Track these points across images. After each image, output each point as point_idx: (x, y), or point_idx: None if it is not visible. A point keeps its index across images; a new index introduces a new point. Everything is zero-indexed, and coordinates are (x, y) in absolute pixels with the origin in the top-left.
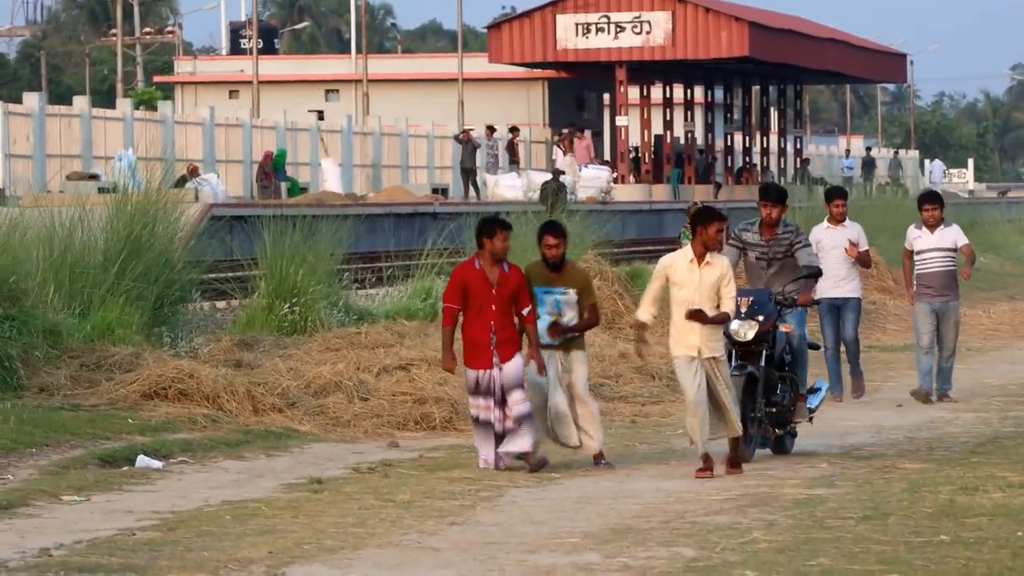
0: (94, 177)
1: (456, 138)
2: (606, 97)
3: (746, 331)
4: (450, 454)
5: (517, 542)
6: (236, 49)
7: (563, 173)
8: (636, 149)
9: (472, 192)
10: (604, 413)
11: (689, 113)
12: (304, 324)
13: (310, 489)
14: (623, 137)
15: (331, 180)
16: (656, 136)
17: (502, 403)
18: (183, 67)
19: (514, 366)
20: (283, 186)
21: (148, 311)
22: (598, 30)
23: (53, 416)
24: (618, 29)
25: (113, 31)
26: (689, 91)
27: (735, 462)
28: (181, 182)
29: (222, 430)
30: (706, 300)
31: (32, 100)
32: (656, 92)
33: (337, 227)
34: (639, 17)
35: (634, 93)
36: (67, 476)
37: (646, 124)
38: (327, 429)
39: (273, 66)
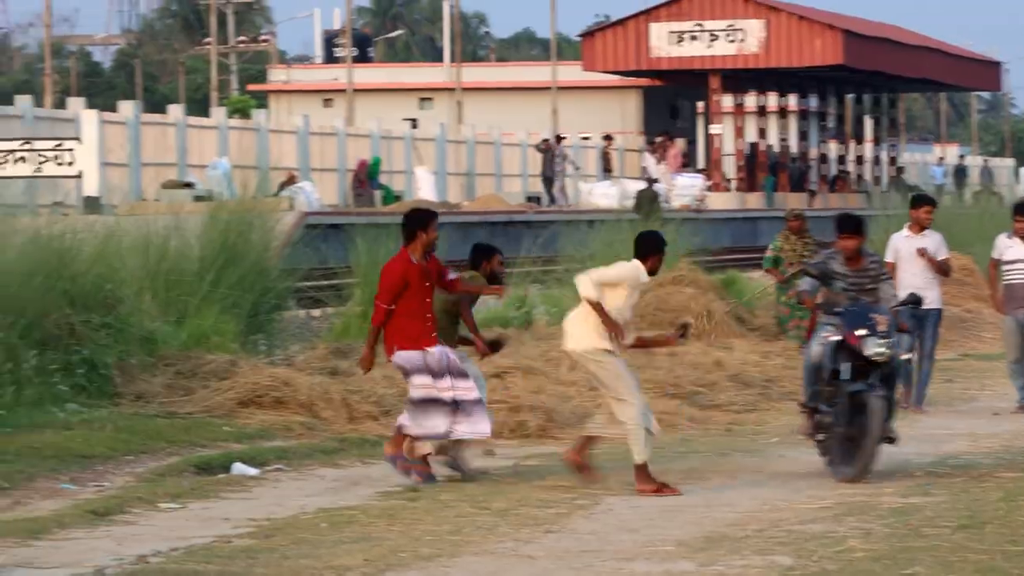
0: (189, 185)
1: (537, 147)
2: (700, 105)
3: (888, 352)
4: (546, 462)
5: (613, 550)
6: (330, 57)
7: (657, 181)
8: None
9: (548, 200)
10: (699, 421)
11: (783, 121)
12: None
13: (406, 497)
14: (716, 145)
15: (425, 188)
16: (750, 144)
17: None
18: (277, 76)
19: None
20: (377, 194)
21: (243, 319)
22: (692, 38)
23: (149, 424)
24: (712, 37)
25: (208, 40)
26: (783, 99)
27: None
28: (282, 189)
29: (317, 438)
30: None
31: (127, 109)
32: (750, 100)
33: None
34: (733, 25)
35: (728, 101)
36: (164, 483)
37: (739, 132)
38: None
39: (367, 74)
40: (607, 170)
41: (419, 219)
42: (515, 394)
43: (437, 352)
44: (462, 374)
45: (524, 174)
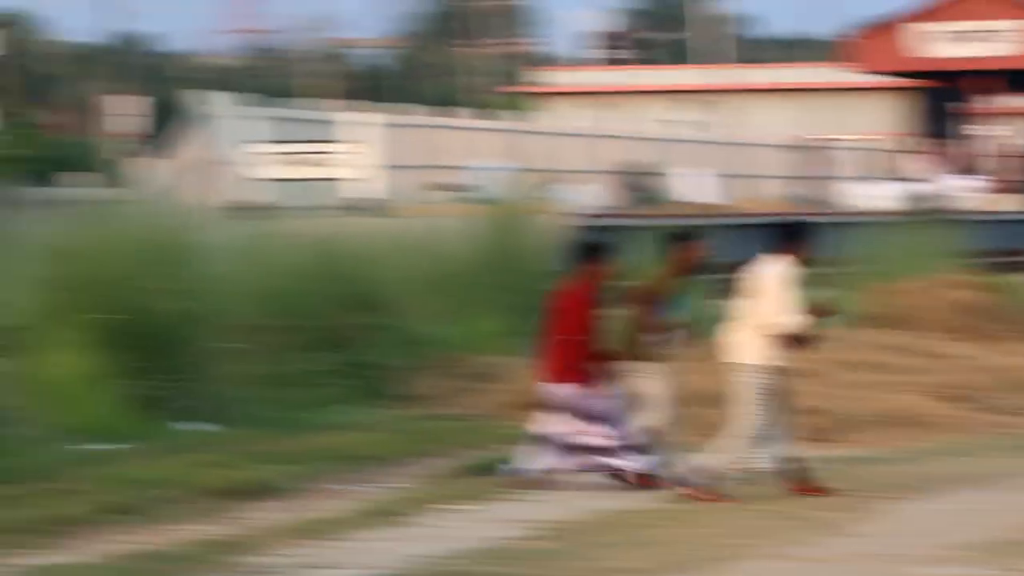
0: (464, 188)
1: (796, 148)
2: (975, 106)
3: None
4: (832, 465)
5: (903, 554)
6: (601, 59)
7: (931, 182)
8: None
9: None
10: (989, 426)
11: None
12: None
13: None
14: (998, 146)
15: (702, 190)
16: None
17: None
18: (553, 78)
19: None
20: (652, 197)
21: (517, 321)
22: (969, 39)
23: (426, 426)
24: (989, 38)
25: (478, 42)
26: None
27: None
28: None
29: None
30: None
31: (408, 111)
32: None
33: (713, 236)
34: (1013, 26)
35: (1006, 102)
36: (445, 485)
37: (1021, 133)
38: (710, 439)
39: (638, 76)
40: (889, 173)
41: (587, 251)
42: (805, 397)
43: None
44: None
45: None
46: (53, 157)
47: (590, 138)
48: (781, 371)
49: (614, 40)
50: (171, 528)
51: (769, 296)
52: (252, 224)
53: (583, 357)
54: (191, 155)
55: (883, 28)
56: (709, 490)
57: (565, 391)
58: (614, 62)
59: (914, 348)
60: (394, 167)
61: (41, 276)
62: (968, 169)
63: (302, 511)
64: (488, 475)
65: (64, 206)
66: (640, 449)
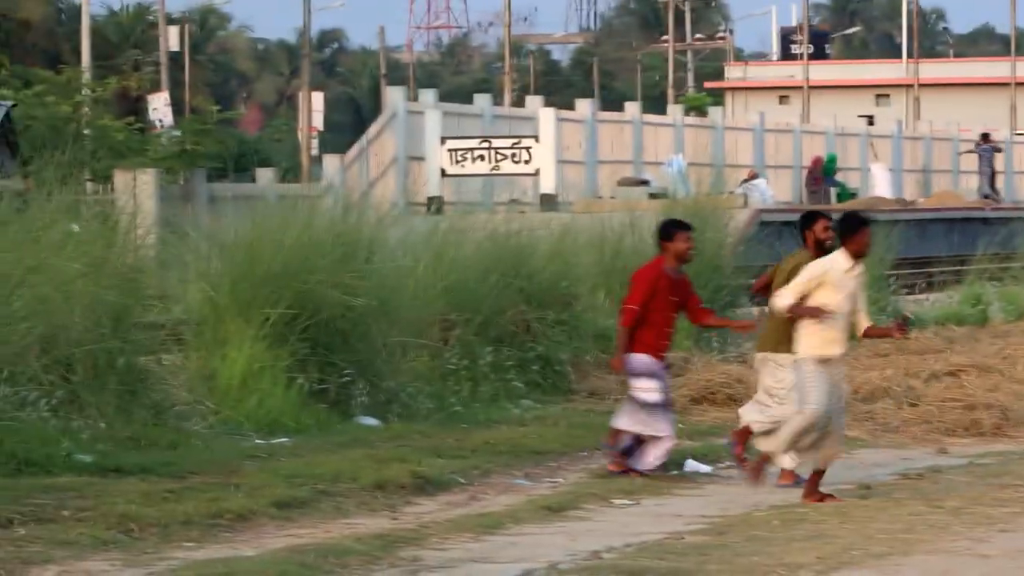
0: (644, 183)
1: (974, 147)
2: None
3: None
4: (1000, 460)
5: None
6: (787, 54)
7: None
8: None
9: (991, 195)
10: None
11: None
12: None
13: (858, 495)
14: None
15: (881, 185)
16: None
17: None
18: (734, 73)
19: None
20: (832, 191)
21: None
22: None
23: (603, 420)
24: None
25: (665, 37)
26: None
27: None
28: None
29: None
30: None
31: (584, 106)
32: None
33: (888, 232)
34: None
35: None
36: (617, 480)
37: None
38: (875, 435)
39: (823, 71)
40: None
41: (663, 230)
42: (970, 392)
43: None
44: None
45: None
46: (237, 153)
47: (777, 133)
48: (823, 362)
49: (807, 35)
50: (343, 523)
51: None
52: (436, 219)
53: (645, 331)
54: (381, 151)
55: None
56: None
57: (636, 360)
58: (813, 57)
59: None
60: (577, 162)
61: (220, 270)
62: None
63: (474, 505)
64: (664, 470)
65: (246, 201)
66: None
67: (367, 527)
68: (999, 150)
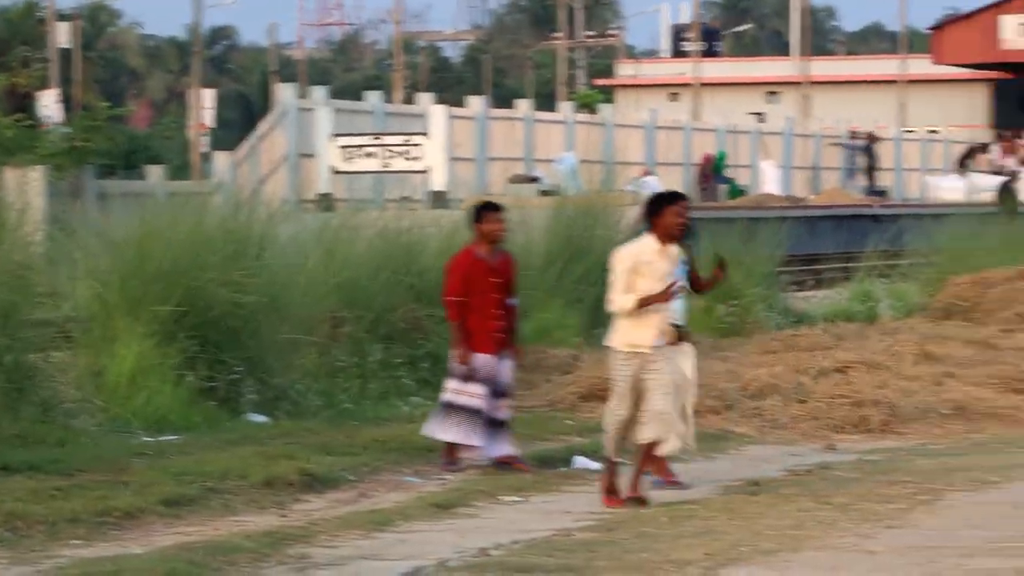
0: (535, 180)
1: (844, 144)
2: None
3: None
4: (888, 457)
5: (956, 546)
6: (678, 52)
7: (1017, 175)
8: None
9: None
10: None
11: None
12: (742, 326)
13: (747, 491)
14: None
15: (770, 182)
16: None
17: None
18: (625, 70)
19: (511, 365)
20: (722, 188)
21: (587, 313)
22: None
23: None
24: None
25: (556, 35)
26: None
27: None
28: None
29: None
30: None
31: (475, 103)
32: None
33: (776, 229)
34: None
35: None
36: (506, 477)
37: None
38: (764, 431)
39: (714, 68)
40: (963, 166)
41: (475, 212)
42: (857, 388)
43: (494, 361)
44: (505, 392)
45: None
46: (127, 150)
47: (668, 130)
48: (639, 356)
49: (698, 33)
50: (231, 520)
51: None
52: (327, 216)
53: (463, 322)
54: (272, 148)
55: (963, 20)
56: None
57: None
58: (704, 54)
59: (979, 339)
60: (468, 160)
61: (109, 268)
62: None
63: (363, 503)
64: (552, 467)
65: (136, 198)
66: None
67: (256, 525)
68: (867, 148)
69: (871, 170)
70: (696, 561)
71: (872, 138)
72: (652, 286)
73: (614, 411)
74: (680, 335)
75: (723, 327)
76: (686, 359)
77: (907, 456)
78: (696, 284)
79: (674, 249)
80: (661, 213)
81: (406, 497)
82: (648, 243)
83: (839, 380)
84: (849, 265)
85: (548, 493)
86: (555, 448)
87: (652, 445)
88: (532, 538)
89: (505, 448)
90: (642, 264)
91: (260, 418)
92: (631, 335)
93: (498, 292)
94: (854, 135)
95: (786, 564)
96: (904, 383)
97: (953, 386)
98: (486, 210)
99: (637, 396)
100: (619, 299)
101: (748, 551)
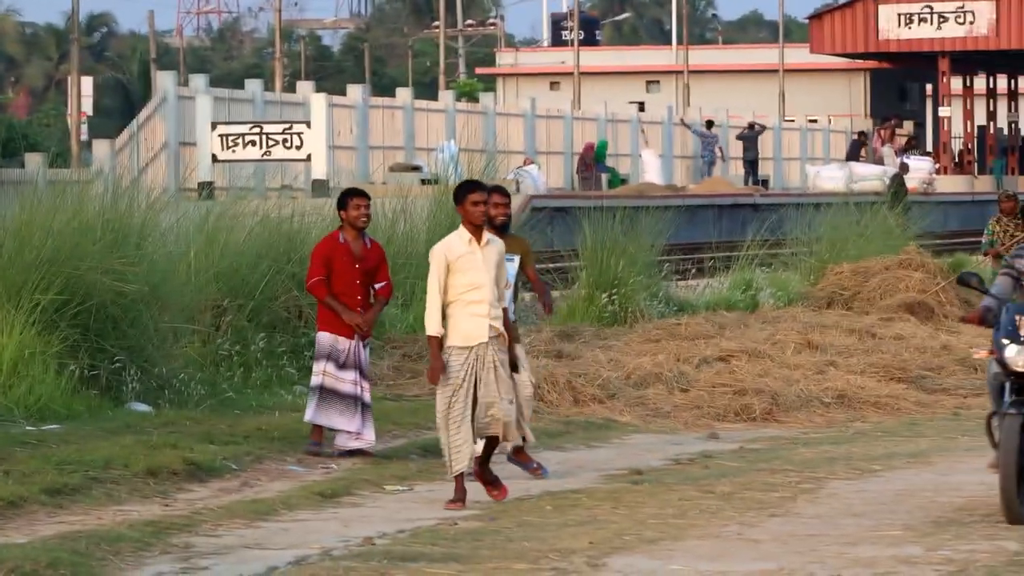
0: (416, 168)
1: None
2: (928, 87)
3: None
4: (771, 445)
5: (838, 534)
6: (557, 41)
7: (907, 166)
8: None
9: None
10: (925, 405)
11: (1013, 104)
12: (624, 315)
13: (630, 480)
14: (945, 128)
15: (651, 171)
16: (979, 127)
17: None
18: (505, 59)
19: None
20: (604, 177)
21: None
22: (920, 20)
23: (376, 406)
24: (941, 19)
25: (436, 23)
26: (1013, 81)
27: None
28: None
29: (543, 421)
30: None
31: (356, 92)
32: (979, 82)
33: (657, 218)
34: (962, 7)
35: (957, 83)
36: (390, 466)
37: (968, 115)
38: (647, 420)
39: (594, 57)
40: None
41: (339, 199)
42: (740, 377)
43: (349, 343)
44: (366, 375)
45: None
46: (5, 138)
47: (549, 119)
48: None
49: (577, 22)
50: (114, 509)
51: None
52: (208, 204)
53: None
54: (152, 136)
55: (841, 9)
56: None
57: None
58: (584, 43)
59: (860, 328)
60: (349, 148)
61: None
62: (922, 151)
63: (246, 492)
64: (437, 456)
65: (15, 186)
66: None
67: (139, 514)
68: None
69: (755, 161)
70: (580, 550)
71: (755, 127)
72: (471, 280)
73: (451, 406)
74: (510, 332)
75: (605, 316)
76: (518, 354)
77: (789, 445)
78: (532, 281)
79: (495, 242)
80: (462, 201)
81: (290, 486)
82: (459, 236)
83: (721, 369)
84: (730, 254)
85: (432, 482)
86: (439, 437)
87: (494, 439)
88: (417, 527)
89: (368, 434)
90: (455, 259)
91: (143, 407)
92: (464, 328)
93: (361, 277)
94: (752, 126)
95: (670, 553)
96: (786, 372)
97: (835, 375)
98: (349, 196)
99: (473, 390)
100: (428, 310)
101: (632, 540)
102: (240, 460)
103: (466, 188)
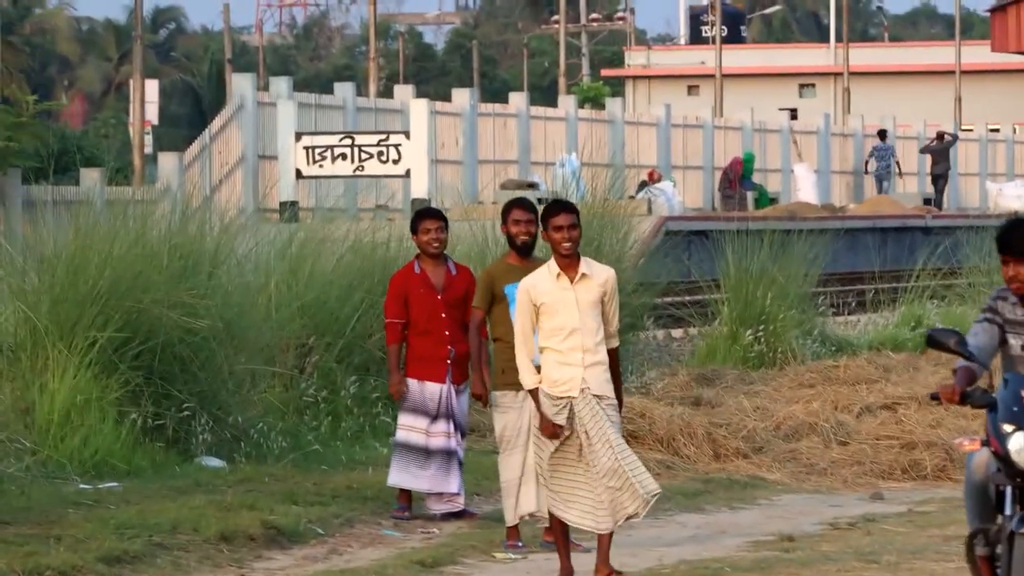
0: (532, 186)
1: (926, 147)
2: None
3: None
4: (944, 507)
5: None
6: (696, 38)
7: None
8: None
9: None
10: None
11: None
12: (773, 356)
13: (780, 547)
14: None
15: (805, 189)
16: None
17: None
18: (635, 59)
19: (466, 399)
20: (750, 196)
21: None
22: None
23: (486, 461)
24: None
25: (555, 18)
26: None
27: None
28: (640, 190)
29: (678, 478)
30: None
31: (462, 97)
32: None
33: (812, 243)
34: None
35: None
36: (500, 530)
37: None
38: (799, 478)
39: (739, 57)
40: None
41: (411, 222)
42: (908, 428)
43: (440, 389)
44: (459, 428)
45: (921, 172)
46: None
47: (686, 128)
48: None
49: (720, 15)
50: None
51: None
52: (291, 227)
53: (415, 346)
54: (227, 149)
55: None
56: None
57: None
58: (727, 41)
59: None
60: (455, 162)
61: (38, 287)
62: None
63: (335, 560)
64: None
65: (69, 206)
66: None
67: None
68: (943, 150)
69: (944, 176)
70: None
71: (946, 138)
72: (560, 323)
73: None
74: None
75: (751, 357)
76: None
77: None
78: None
79: (596, 275)
80: (544, 227)
81: (385, 553)
82: (546, 271)
83: (886, 418)
84: (897, 285)
85: (550, 549)
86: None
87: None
88: None
89: (461, 497)
90: (541, 300)
91: (215, 462)
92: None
93: (447, 310)
94: (883, 136)
95: None
96: (961, 422)
97: None
98: (419, 218)
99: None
100: (522, 369)
101: None
102: (327, 523)
103: (546, 211)
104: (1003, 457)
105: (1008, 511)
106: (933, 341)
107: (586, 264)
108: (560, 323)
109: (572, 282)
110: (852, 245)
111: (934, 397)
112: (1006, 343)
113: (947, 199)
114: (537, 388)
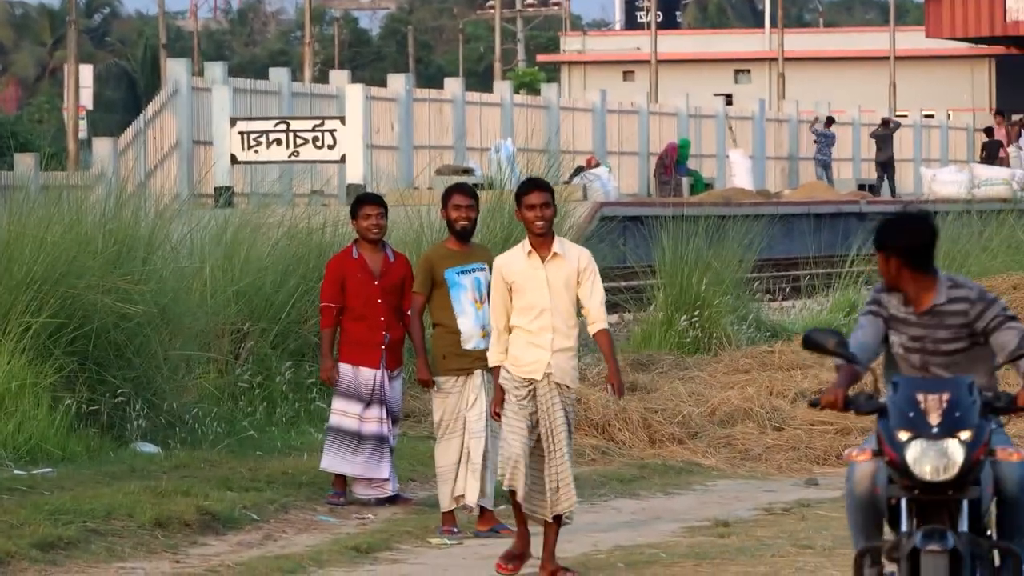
0: (468, 171)
1: (873, 133)
2: None
3: (943, 462)
4: None
5: None
6: (632, 23)
7: (1014, 164)
8: None
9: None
10: None
11: None
12: (708, 341)
13: (715, 533)
14: None
15: (740, 175)
16: None
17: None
18: (570, 44)
19: (399, 386)
20: (685, 181)
21: None
22: None
23: (421, 447)
24: None
25: (491, 3)
26: None
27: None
28: (575, 175)
29: (613, 464)
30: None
31: (398, 83)
32: None
33: (747, 229)
34: None
35: None
36: (435, 516)
37: None
38: (734, 463)
39: (674, 42)
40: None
41: (351, 207)
42: (843, 414)
43: (374, 374)
44: (393, 415)
45: (856, 158)
46: None
47: (621, 114)
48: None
49: (655, 1)
50: (117, 567)
51: None
52: (226, 213)
53: (349, 331)
54: (161, 134)
55: None
56: None
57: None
58: (662, 26)
59: None
60: (390, 148)
61: None
62: None
63: (269, 546)
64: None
65: (2, 192)
66: None
67: (145, 572)
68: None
69: (888, 163)
70: None
71: (891, 124)
72: (530, 302)
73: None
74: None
75: (686, 342)
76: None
77: None
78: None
79: (568, 255)
80: (518, 205)
81: (320, 539)
82: (522, 248)
83: None
84: (832, 271)
85: (484, 537)
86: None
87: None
88: None
89: (393, 482)
90: (513, 278)
91: (150, 448)
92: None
93: (383, 296)
94: (829, 122)
95: None
96: None
97: None
98: (359, 203)
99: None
100: (491, 352)
101: None
102: (262, 509)
103: (520, 190)
104: (899, 467)
105: (904, 527)
106: (811, 343)
107: (559, 244)
108: (530, 302)
109: (544, 261)
110: (787, 231)
111: (813, 404)
112: (887, 340)
113: (898, 184)
114: (499, 367)
